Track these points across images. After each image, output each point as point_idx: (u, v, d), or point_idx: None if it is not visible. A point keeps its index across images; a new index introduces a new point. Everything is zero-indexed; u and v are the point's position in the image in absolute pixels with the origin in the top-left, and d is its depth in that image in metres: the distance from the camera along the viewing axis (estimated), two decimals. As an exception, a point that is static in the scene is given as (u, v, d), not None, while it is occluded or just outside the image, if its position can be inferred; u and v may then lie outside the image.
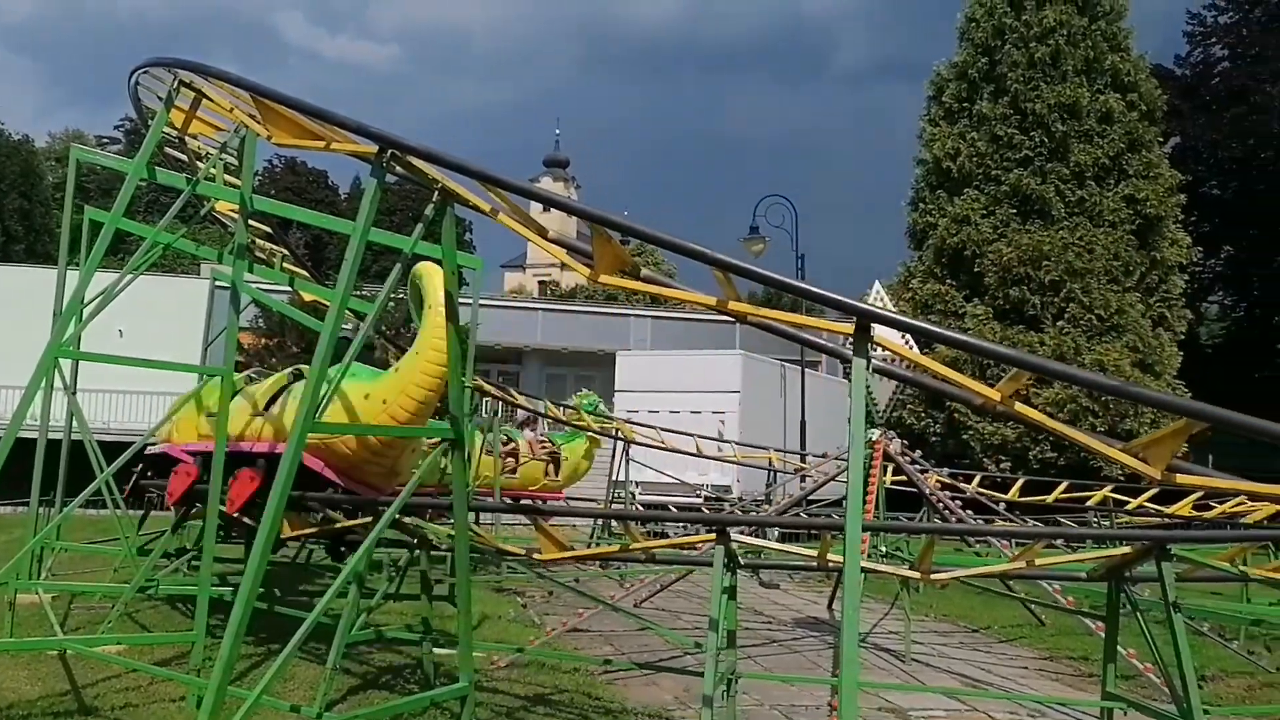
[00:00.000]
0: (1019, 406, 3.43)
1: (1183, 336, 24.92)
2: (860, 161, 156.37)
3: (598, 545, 9.11)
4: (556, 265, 59.04)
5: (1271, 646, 9.59)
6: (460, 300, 5.22)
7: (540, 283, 75.33)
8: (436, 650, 6.17)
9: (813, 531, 11.38)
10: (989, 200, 24.86)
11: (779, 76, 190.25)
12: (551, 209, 5.10)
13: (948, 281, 25.26)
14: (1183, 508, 9.49)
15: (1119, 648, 5.50)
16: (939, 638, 9.61)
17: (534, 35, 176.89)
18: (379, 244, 6.57)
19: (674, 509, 16.29)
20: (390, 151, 4.18)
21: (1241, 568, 5.81)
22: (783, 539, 10.84)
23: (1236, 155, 27.52)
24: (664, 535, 11.04)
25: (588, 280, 4.13)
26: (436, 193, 4.42)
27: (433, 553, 6.10)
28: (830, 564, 5.17)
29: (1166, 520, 10.13)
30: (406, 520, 5.96)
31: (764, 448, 14.94)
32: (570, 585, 8.70)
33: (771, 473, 14.87)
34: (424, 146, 4.16)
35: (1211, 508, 9.52)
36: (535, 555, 5.44)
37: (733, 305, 3.88)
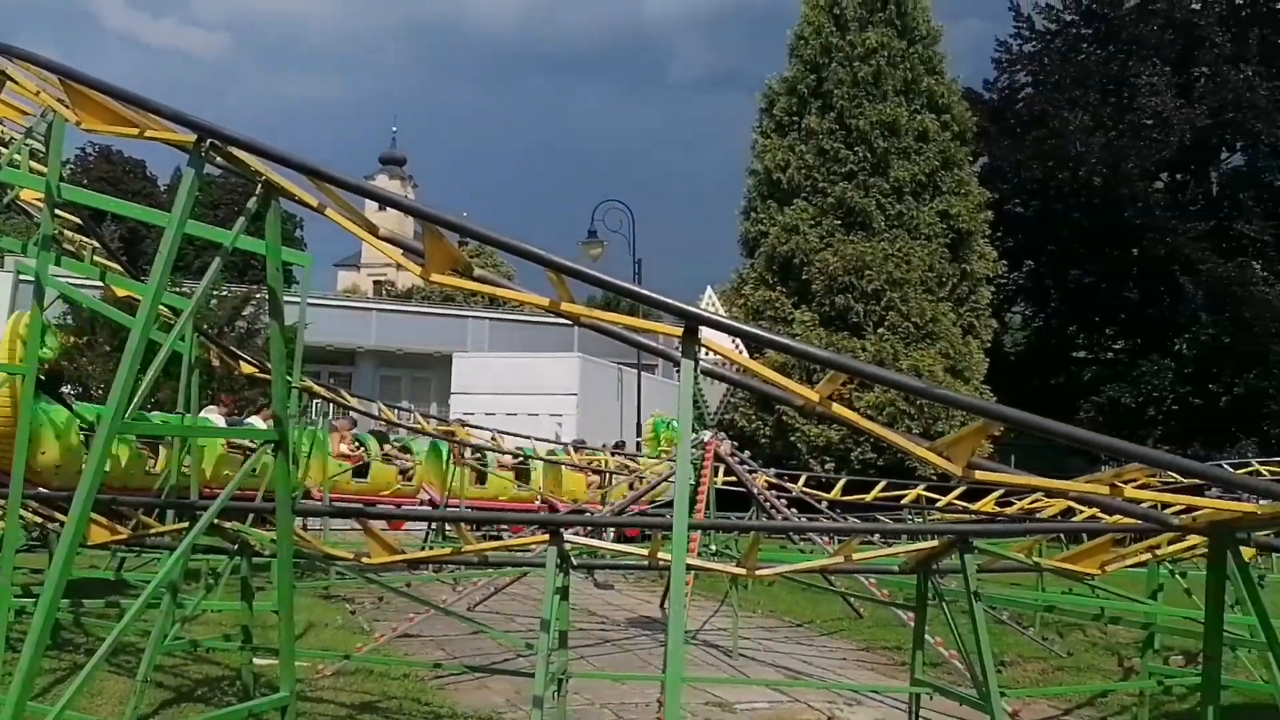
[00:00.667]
0: (836, 407, 3.61)
1: (989, 344, 26.62)
2: (697, 170, 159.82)
3: (431, 549, 8.98)
4: (392, 265, 57.65)
5: (1063, 632, 10.38)
6: (287, 298, 5.05)
7: (375, 282, 73.42)
8: (257, 660, 5.93)
9: (646, 531, 11.57)
10: (816, 211, 25.88)
11: (619, 83, 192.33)
12: (388, 207, 5.01)
13: (778, 288, 26.13)
14: (986, 504, 10.19)
15: (927, 636, 5.85)
16: (765, 633, 9.93)
17: (371, 31, 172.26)
18: (199, 238, 6.27)
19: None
20: (210, 141, 4.01)
21: (1036, 559, 6.28)
22: (619, 539, 10.97)
23: (1037, 176, 29.57)
24: (499, 537, 10.98)
25: (420, 278, 4.08)
26: (260, 186, 4.27)
27: (255, 559, 5.87)
28: (661, 562, 5.29)
29: (971, 516, 10.82)
30: (226, 525, 5.71)
31: (599, 448, 15.12)
32: (401, 590, 8.52)
33: (607, 474, 15.03)
34: (246, 137, 4.01)
35: (1012, 504, 10.25)
36: (364, 559, 5.33)
37: (566, 307, 3.92)
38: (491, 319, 32.59)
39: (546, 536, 4.96)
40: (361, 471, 13.85)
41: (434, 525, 11.68)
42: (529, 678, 5.32)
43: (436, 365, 28.32)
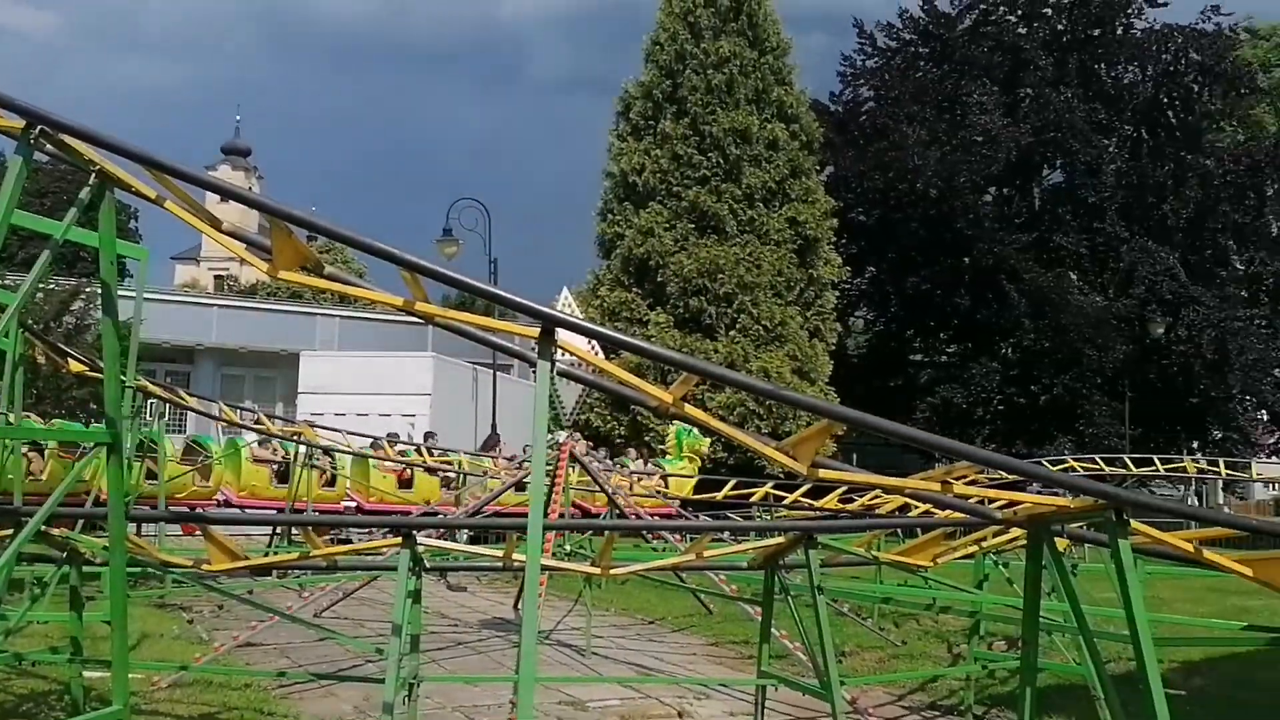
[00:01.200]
0: (689, 408, 3.71)
1: (834, 347, 27.65)
2: (555, 170, 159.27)
3: (276, 554, 8.68)
4: (235, 259, 55.26)
5: (898, 622, 10.91)
6: (121, 293, 4.81)
7: (216, 277, 70.11)
8: (87, 673, 5.61)
9: (499, 532, 11.51)
10: (671, 215, 26.30)
11: (475, 79, 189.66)
12: (230, 199, 4.83)
13: (633, 290, 26.41)
14: (829, 501, 10.60)
15: (773, 630, 6.07)
16: (618, 631, 10.04)
17: (214, 14, 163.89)
18: (26, 229, 5.88)
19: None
20: (39, 128, 3.79)
21: (875, 553, 6.61)
22: (473, 540, 10.89)
23: (879, 186, 30.91)
24: (348, 541, 10.71)
25: (267, 275, 3.96)
26: (93, 175, 4.05)
27: (86, 567, 5.56)
28: (515, 563, 5.30)
29: (815, 513, 11.24)
30: (54, 532, 5.39)
31: (454, 450, 14.94)
32: (243, 597, 8.21)
33: (461, 475, 14.87)
34: (78, 124, 3.80)
35: (853, 501, 10.70)
36: (204, 566, 5.12)
37: (420, 306, 3.88)
38: (341, 317, 31.66)
39: (399, 539, 4.89)
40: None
41: (279, 530, 11.30)
42: (379, 683, 5.23)
43: (283, 364, 27.32)
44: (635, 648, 9.13)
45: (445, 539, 7.50)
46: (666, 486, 14.16)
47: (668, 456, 18.01)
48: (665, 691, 7.16)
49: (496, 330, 4.39)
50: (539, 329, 3.65)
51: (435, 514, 13.04)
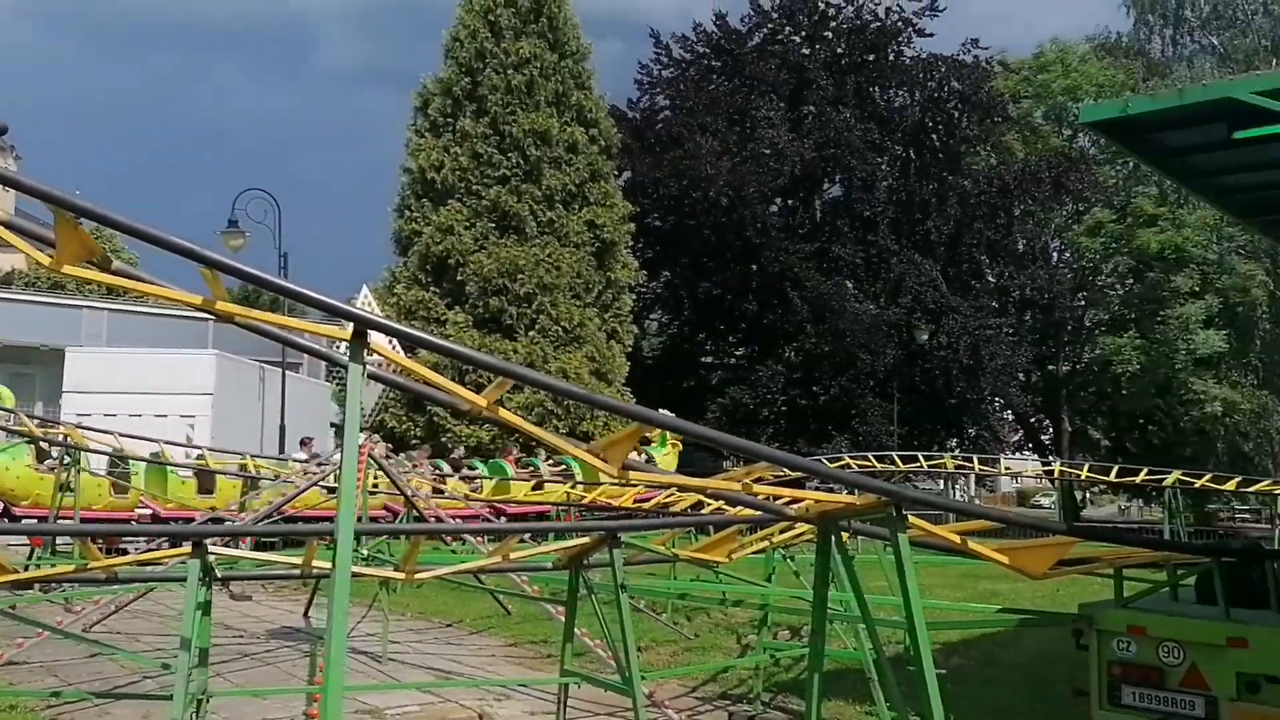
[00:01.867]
0: (503, 412, 3.76)
1: (630, 349, 28.21)
2: (349, 163, 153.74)
3: (39, 567, 8.01)
4: (-23, 242, 49.91)
5: (691, 616, 11.32)
6: None
7: (-44, 263, 63.19)
8: None
9: (291, 539, 11.08)
10: (471, 213, 26.03)
11: (261, 66, 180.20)
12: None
13: (431, 289, 25.97)
14: (626, 500, 10.89)
15: (575, 628, 6.19)
16: (415, 635, 9.91)
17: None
18: None
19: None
20: None
21: (674, 550, 6.86)
22: (260, 547, 10.42)
23: (674, 193, 31.75)
24: (124, 551, 9.99)
25: (48, 270, 3.69)
26: None
27: None
28: (315, 571, 5.16)
29: (617, 512, 11.49)
30: None
31: (239, 453, 14.20)
32: (5, 611, 7.54)
33: (249, 479, 14.15)
34: None
35: (650, 500, 11.03)
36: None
37: (221, 306, 3.72)
38: (111, 310, 29.25)
39: (186, 549, 4.67)
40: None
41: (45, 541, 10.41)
42: (161, 700, 4.98)
43: (44, 360, 24.99)
44: (433, 651, 9.05)
45: (230, 546, 7.18)
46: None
47: (653, 445, 19.08)
48: (465, 694, 7.15)
49: (299, 330, 4.26)
50: (350, 331, 3.59)
51: (223, 520, 12.37)
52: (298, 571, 5.39)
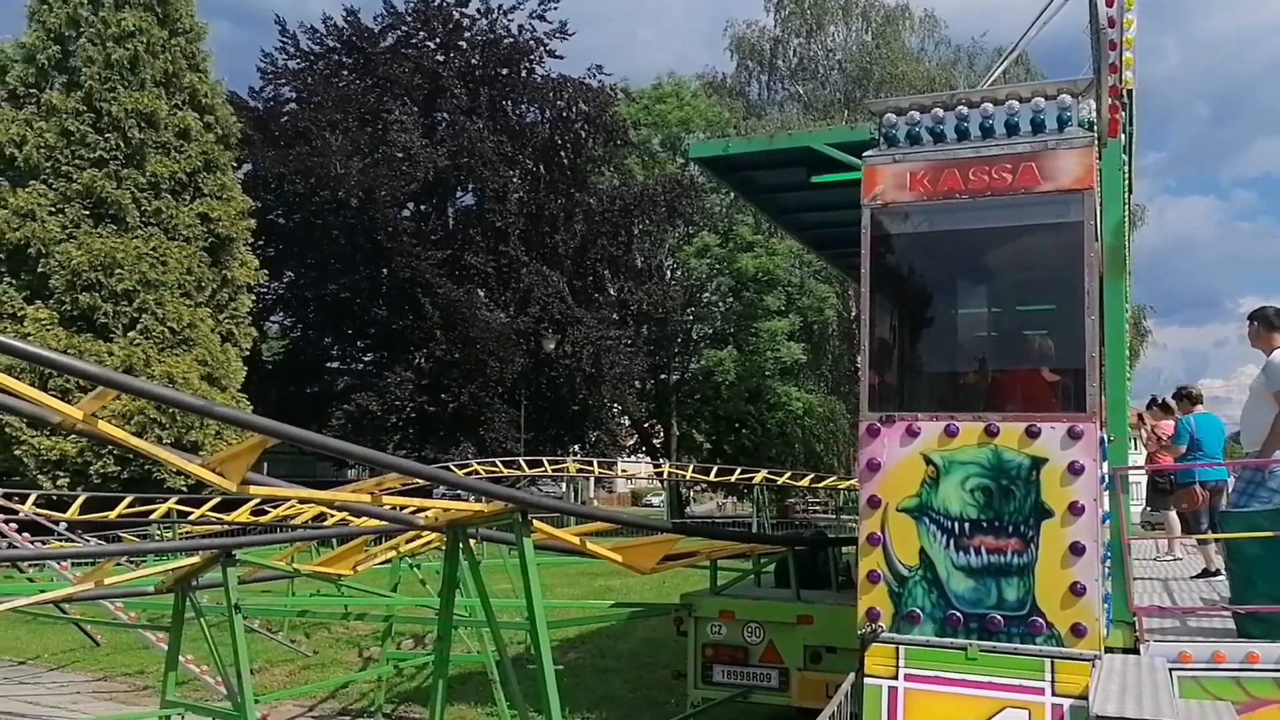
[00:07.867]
0: (103, 425, 3.47)
1: (248, 352, 26.50)
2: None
3: None
4: None
5: (309, 633, 10.94)
6: None
7: None
8: None
9: None
10: (59, 197, 23.13)
11: None
12: None
13: (7, 280, 22.76)
14: (242, 514, 10.27)
15: (180, 655, 5.78)
16: (-21, 678, 8.69)
17: None
18: None
19: None
20: None
21: (295, 565, 6.63)
22: None
23: (300, 190, 30.28)
24: None
25: None
26: None
27: None
28: None
29: (229, 527, 10.80)
30: None
31: None
32: None
33: None
34: None
35: (268, 513, 10.50)
36: None
37: None
38: None
39: None
40: None
41: None
42: None
43: None
44: (3, 694, 7.99)
45: None
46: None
47: None
48: (46, 739, 6.42)
49: None
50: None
51: None
52: None
